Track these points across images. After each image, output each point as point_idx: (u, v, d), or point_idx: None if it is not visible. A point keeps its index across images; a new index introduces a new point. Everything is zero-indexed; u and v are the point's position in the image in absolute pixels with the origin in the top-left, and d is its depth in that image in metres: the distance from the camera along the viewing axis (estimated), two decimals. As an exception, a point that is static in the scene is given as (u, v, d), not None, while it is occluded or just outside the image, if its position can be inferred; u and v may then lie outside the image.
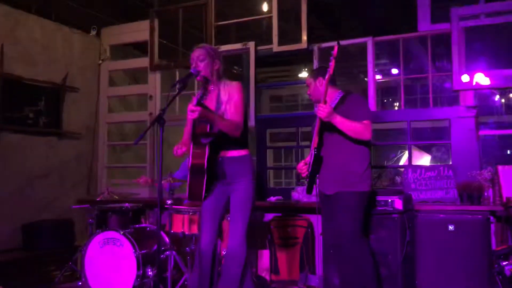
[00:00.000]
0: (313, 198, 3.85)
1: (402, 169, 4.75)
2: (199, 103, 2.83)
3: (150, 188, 5.43)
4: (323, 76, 3.05)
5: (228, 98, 3.00)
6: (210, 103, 3.04)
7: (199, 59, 3.02)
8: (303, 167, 3.23)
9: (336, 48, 2.92)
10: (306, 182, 3.22)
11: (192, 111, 2.73)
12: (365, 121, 3.08)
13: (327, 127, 3.13)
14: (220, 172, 3.00)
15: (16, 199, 4.87)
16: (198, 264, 3.06)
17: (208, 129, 2.87)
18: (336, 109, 3.11)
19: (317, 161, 3.12)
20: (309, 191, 3.21)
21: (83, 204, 4.84)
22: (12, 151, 4.88)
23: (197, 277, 3.05)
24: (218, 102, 3.01)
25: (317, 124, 3.13)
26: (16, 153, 4.91)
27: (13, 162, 4.88)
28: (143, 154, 5.71)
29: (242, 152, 3.05)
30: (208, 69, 3.02)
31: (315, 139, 3.14)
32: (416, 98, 8.13)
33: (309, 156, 3.24)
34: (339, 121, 3.02)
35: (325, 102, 3.00)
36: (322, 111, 2.97)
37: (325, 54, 5.04)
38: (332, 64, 2.94)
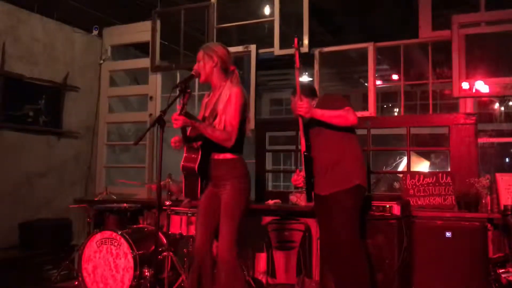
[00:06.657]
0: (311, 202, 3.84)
1: (400, 175, 4.76)
2: (183, 112, 2.74)
3: (149, 189, 5.42)
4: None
5: (225, 105, 2.92)
6: (210, 102, 3.05)
7: (197, 60, 3.03)
8: (297, 179, 3.16)
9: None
10: (304, 190, 3.18)
11: (176, 120, 2.72)
12: (346, 108, 3.07)
13: (311, 127, 3.16)
14: (210, 174, 2.99)
15: (14, 198, 4.86)
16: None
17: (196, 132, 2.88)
18: None
19: (309, 163, 3.10)
20: (308, 199, 3.17)
21: (81, 204, 4.83)
22: (11, 149, 4.87)
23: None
24: (216, 104, 2.96)
25: (300, 128, 3.12)
26: (15, 152, 4.91)
27: (12, 160, 4.88)
28: (142, 154, 5.71)
29: (231, 156, 2.96)
30: (204, 70, 3.00)
31: (302, 142, 3.14)
32: (416, 104, 8.15)
33: (300, 168, 3.21)
34: (321, 113, 3.03)
35: (301, 100, 3.04)
36: (300, 107, 2.99)
37: (326, 58, 5.05)
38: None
